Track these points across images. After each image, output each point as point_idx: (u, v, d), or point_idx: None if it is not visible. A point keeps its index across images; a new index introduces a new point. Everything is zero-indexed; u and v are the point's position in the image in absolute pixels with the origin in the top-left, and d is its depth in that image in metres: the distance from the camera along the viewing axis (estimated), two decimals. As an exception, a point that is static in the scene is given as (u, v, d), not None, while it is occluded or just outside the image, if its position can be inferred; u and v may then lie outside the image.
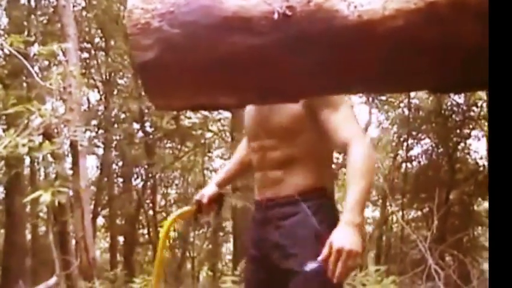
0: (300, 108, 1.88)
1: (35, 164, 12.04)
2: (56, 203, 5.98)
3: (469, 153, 12.55)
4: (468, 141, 12.36)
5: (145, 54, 0.96)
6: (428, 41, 0.89)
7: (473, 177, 11.74)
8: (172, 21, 0.94)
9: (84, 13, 11.70)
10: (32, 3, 10.88)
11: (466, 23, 0.87)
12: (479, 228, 12.34)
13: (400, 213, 12.21)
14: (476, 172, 11.78)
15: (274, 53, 0.93)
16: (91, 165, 13.17)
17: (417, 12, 0.87)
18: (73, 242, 8.04)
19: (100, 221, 15.47)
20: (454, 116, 12.04)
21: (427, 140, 12.86)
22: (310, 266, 1.74)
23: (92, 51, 12.69)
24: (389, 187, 11.39)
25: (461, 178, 12.04)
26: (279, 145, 1.94)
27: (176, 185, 15.39)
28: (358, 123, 1.94)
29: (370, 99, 12.57)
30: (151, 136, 12.37)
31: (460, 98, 11.42)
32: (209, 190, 2.23)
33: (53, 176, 9.11)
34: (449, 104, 11.90)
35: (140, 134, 12.56)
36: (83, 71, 10.20)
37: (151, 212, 13.53)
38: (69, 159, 8.09)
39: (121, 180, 14.38)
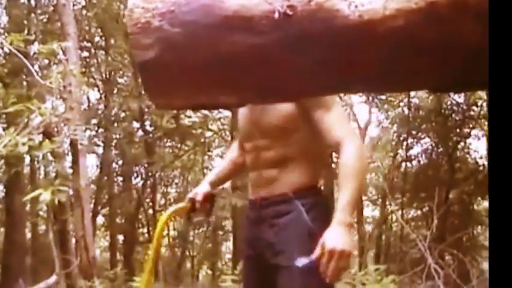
0: (293, 108, 1.90)
1: (35, 162, 12.05)
2: (56, 202, 5.98)
3: (468, 153, 12.56)
4: (468, 141, 12.38)
5: (146, 53, 0.96)
6: (429, 40, 0.89)
7: (473, 177, 11.74)
8: (172, 21, 0.95)
9: (84, 12, 11.70)
10: (32, 1, 10.88)
11: (466, 23, 0.87)
12: (479, 227, 12.36)
13: (400, 212, 12.23)
14: (476, 171, 11.79)
15: (274, 52, 0.93)
16: (90, 164, 13.19)
17: (417, 12, 0.87)
18: (73, 240, 8.04)
19: (100, 219, 15.49)
20: (453, 115, 12.04)
21: (427, 139, 12.87)
22: (302, 261, 1.76)
23: (92, 50, 12.69)
24: (389, 186, 11.40)
25: (461, 177, 12.05)
26: (273, 145, 1.96)
27: (176, 183, 15.42)
28: (350, 123, 1.97)
29: (370, 98, 12.58)
30: (151, 135, 12.38)
31: (459, 98, 11.43)
32: (202, 189, 2.22)
33: (53, 174, 9.11)
34: (449, 103, 11.91)
35: (140, 132, 12.57)
36: (83, 69, 10.21)
37: (150, 211, 13.54)
38: (69, 158, 8.10)
39: (120, 179, 14.40)
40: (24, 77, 9.53)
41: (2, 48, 9.16)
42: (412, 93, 11.61)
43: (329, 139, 1.86)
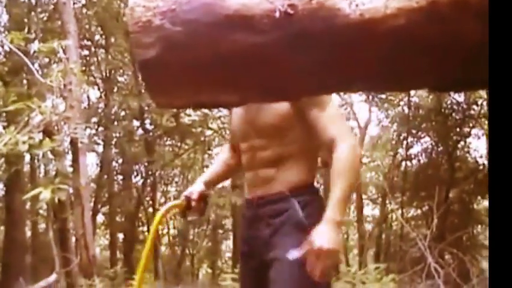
0: (289, 108, 1.92)
1: (35, 161, 12.06)
2: (56, 200, 5.99)
3: (468, 152, 12.56)
4: (468, 140, 12.38)
5: (147, 52, 0.96)
6: (429, 39, 0.89)
7: (473, 176, 11.75)
8: (173, 19, 0.95)
9: (84, 10, 11.70)
10: (32, 0, 10.87)
11: (466, 22, 0.87)
12: (479, 226, 12.36)
13: (400, 211, 12.23)
14: (476, 171, 11.79)
15: (275, 51, 0.93)
16: (91, 163, 13.21)
17: (418, 11, 0.87)
18: (73, 239, 8.05)
19: (100, 218, 15.51)
20: (453, 114, 12.04)
21: (427, 139, 12.88)
22: (293, 254, 1.78)
23: (93, 49, 12.70)
24: (389, 185, 11.40)
25: (461, 177, 12.05)
26: (269, 144, 1.97)
27: (176, 182, 15.43)
28: (345, 122, 1.98)
29: (370, 97, 12.58)
30: (151, 133, 12.38)
31: (460, 97, 11.43)
32: (197, 188, 2.21)
33: (53, 173, 9.12)
34: (449, 102, 11.91)
35: (140, 131, 12.57)
36: (84, 68, 10.20)
37: (150, 210, 13.55)
38: (69, 157, 8.11)
39: (120, 177, 14.41)
40: (24, 75, 9.53)
41: (3, 47, 9.17)
42: (412, 92, 11.61)
43: (323, 137, 1.88)
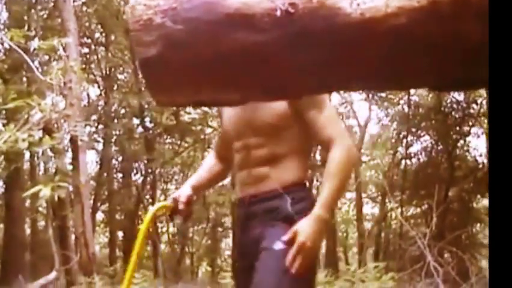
0: (286, 107, 1.94)
1: (35, 158, 12.07)
2: (56, 198, 6.00)
3: (468, 151, 12.57)
4: (467, 139, 12.38)
5: (148, 50, 0.96)
6: (430, 39, 0.89)
7: (473, 175, 11.75)
8: (174, 18, 0.95)
9: (84, 8, 11.68)
10: (32, -3, 10.86)
11: (467, 22, 0.88)
12: (478, 225, 12.37)
13: (399, 210, 12.24)
14: (476, 169, 11.80)
15: (276, 50, 0.93)
16: (90, 160, 13.21)
17: (419, 10, 0.87)
18: (73, 237, 8.05)
19: (100, 216, 15.52)
20: (453, 113, 12.05)
21: (427, 137, 12.88)
22: (279, 245, 1.83)
23: (93, 46, 12.69)
24: (389, 184, 11.41)
25: (461, 175, 12.06)
26: (266, 142, 1.99)
27: (176, 180, 15.41)
28: (342, 123, 2.01)
29: (370, 96, 12.58)
30: (150, 131, 12.38)
31: (459, 96, 11.43)
32: (185, 191, 2.20)
33: (53, 170, 9.13)
34: (448, 101, 11.91)
35: (140, 129, 12.56)
36: (83, 66, 10.20)
37: (150, 208, 13.54)
38: (69, 154, 8.11)
39: (120, 175, 14.41)
40: (24, 73, 9.53)
41: (2, 44, 9.16)
42: (412, 91, 11.61)
43: (321, 138, 1.93)
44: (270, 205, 1.96)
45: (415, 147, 13.09)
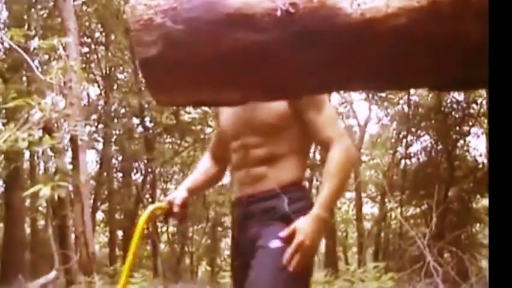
0: (286, 107, 1.94)
1: (35, 158, 12.07)
2: (56, 198, 6.00)
3: (468, 151, 12.57)
4: (467, 139, 12.38)
5: (148, 50, 0.96)
6: (430, 39, 0.89)
7: (472, 175, 11.75)
8: (175, 18, 0.95)
9: (84, 7, 11.68)
10: (32, -3, 10.85)
11: (467, 22, 0.88)
12: (478, 225, 12.37)
13: (399, 209, 12.24)
14: (475, 169, 11.80)
15: (276, 50, 0.93)
16: (90, 160, 13.20)
17: (419, 10, 0.87)
18: (73, 236, 8.05)
19: (100, 215, 15.52)
20: (453, 113, 12.04)
21: (426, 137, 12.88)
22: (275, 243, 1.83)
23: (93, 46, 12.68)
24: (388, 184, 11.41)
25: (460, 175, 12.06)
26: (264, 142, 1.99)
27: (176, 179, 15.40)
28: (341, 124, 2.01)
29: (370, 95, 12.58)
30: (150, 131, 12.37)
31: (459, 95, 11.43)
32: (180, 194, 2.20)
33: (53, 170, 9.13)
34: (448, 101, 11.91)
35: (140, 128, 12.56)
36: (83, 65, 10.20)
37: (150, 207, 13.54)
38: (69, 154, 8.11)
39: (120, 174, 14.41)
40: (24, 72, 9.53)
41: (2, 44, 9.16)
42: (412, 91, 11.61)
43: (320, 138, 1.95)
44: (267, 205, 1.96)
45: (415, 147, 13.10)
